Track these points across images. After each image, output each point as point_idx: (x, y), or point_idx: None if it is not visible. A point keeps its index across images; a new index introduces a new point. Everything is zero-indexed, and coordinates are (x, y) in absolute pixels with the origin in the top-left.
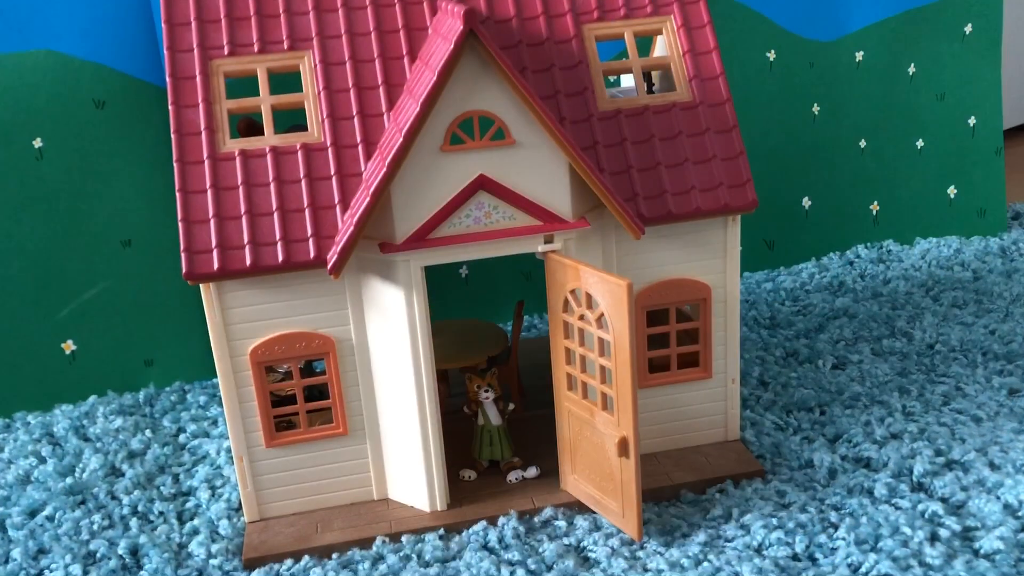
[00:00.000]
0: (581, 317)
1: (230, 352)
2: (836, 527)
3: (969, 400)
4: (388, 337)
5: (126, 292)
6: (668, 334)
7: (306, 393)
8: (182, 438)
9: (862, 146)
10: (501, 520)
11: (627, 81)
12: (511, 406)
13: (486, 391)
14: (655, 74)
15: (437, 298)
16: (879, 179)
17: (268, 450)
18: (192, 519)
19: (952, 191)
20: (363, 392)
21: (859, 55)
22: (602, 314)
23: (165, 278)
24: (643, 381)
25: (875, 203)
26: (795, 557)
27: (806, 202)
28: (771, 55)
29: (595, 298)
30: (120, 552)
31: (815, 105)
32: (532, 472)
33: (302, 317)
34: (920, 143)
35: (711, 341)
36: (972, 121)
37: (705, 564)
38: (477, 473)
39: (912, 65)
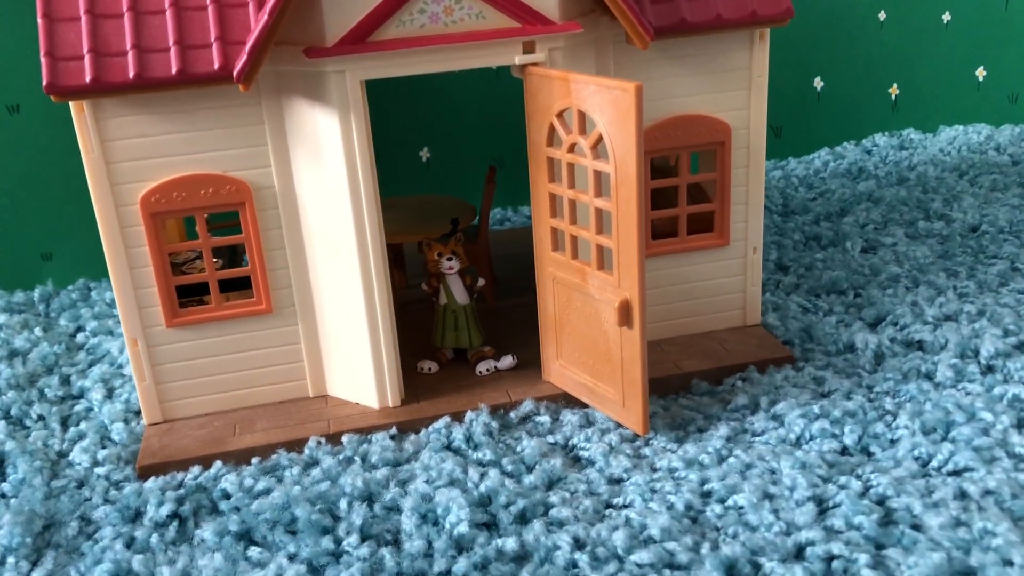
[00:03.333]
0: (572, 148)
1: (114, 200)
2: (894, 415)
3: None
4: (321, 182)
5: (14, 169)
6: (674, 191)
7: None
8: (80, 337)
9: (881, 18)
10: (469, 416)
11: None
12: (481, 281)
13: (449, 259)
14: None
15: (391, 185)
16: (899, 58)
17: (170, 331)
18: (79, 424)
19: (981, 73)
20: (291, 257)
21: None
22: (600, 137)
23: (65, 152)
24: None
25: (894, 86)
26: (845, 451)
27: (818, 83)
28: None
29: (591, 117)
30: None
31: None
32: (507, 362)
33: (208, 155)
34: (947, 16)
35: (729, 199)
36: None
37: (732, 460)
38: (439, 364)
39: None
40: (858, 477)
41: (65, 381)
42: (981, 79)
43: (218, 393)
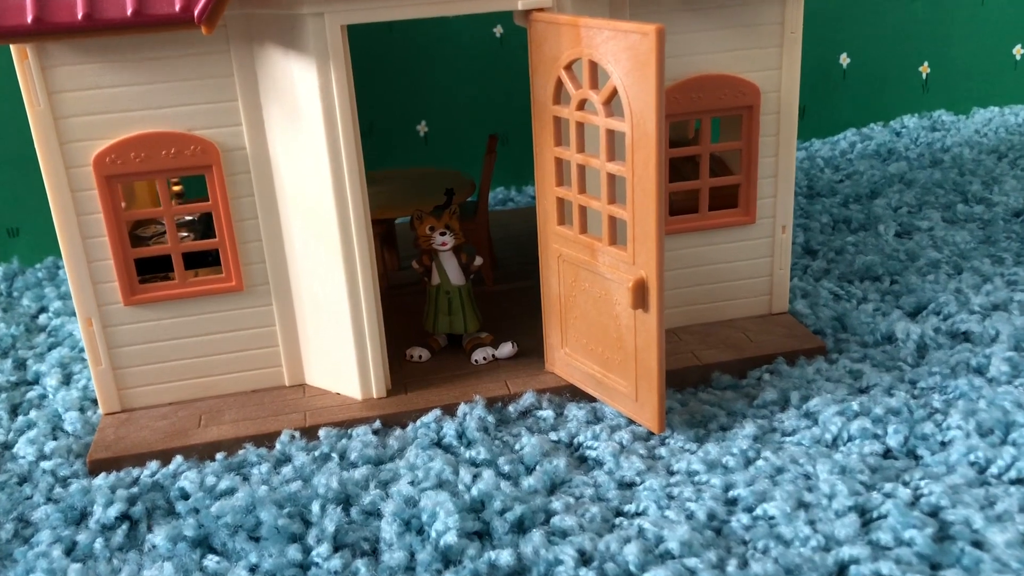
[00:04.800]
0: (581, 105)
1: (64, 161)
2: (944, 414)
3: None
4: (298, 143)
5: None
6: (693, 164)
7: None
8: (42, 319)
9: None
10: (462, 409)
11: None
12: (478, 260)
13: (443, 234)
14: None
15: (385, 161)
16: (931, 34)
17: (129, 310)
18: (30, 412)
19: (1019, 51)
20: (265, 229)
21: None
22: (614, 91)
23: None
24: None
25: (925, 64)
26: (889, 453)
27: (844, 59)
28: None
29: (604, 68)
30: None
31: None
32: (506, 350)
33: (170, 111)
34: None
35: (756, 171)
36: None
37: (760, 463)
38: (431, 352)
39: None
40: (905, 484)
41: (20, 365)
42: (1019, 58)
43: (183, 380)
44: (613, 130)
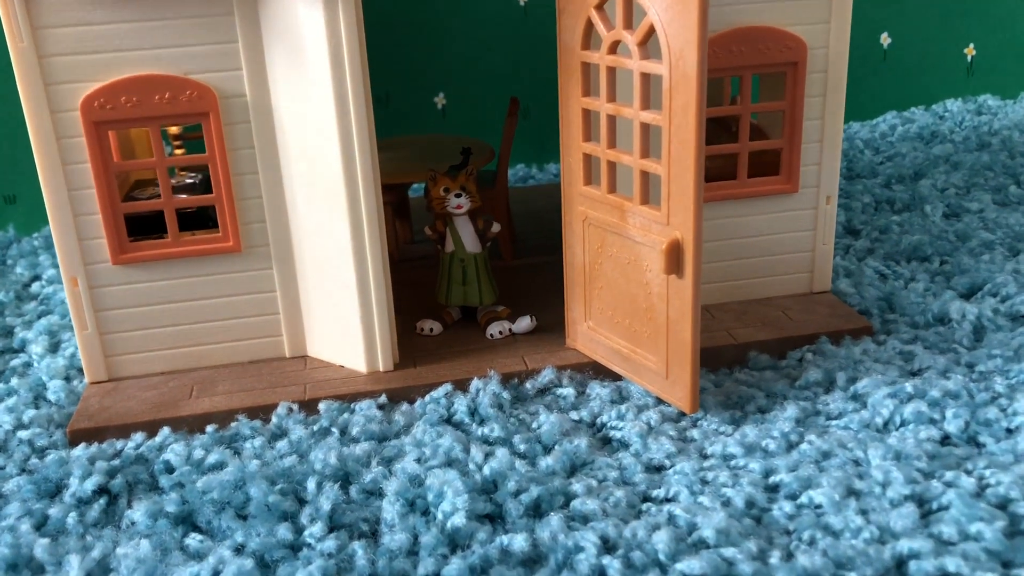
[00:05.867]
0: (614, 48)
1: (48, 104)
2: (1009, 399)
3: None
4: (302, 90)
5: None
6: (729, 130)
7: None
8: (35, 287)
9: None
10: (475, 384)
11: None
12: (496, 226)
13: (458, 196)
14: None
15: (402, 131)
16: (977, 14)
17: (117, 270)
18: (12, 380)
19: None
20: (266, 185)
21: None
22: (651, 29)
23: None
24: None
25: (970, 46)
26: (947, 440)
27: (885, 39)
28: None
29: (640, 4)
30: None
31: None
32: (524, 324)
33: (165, 51)
34: None
35: (800, 135)
36: None
37: (804, 447)
38: (443, 325)
39: None
40: (968, 473)
41: (7, 332)
42: None
43: (174, 348)
44: (649, 74)
